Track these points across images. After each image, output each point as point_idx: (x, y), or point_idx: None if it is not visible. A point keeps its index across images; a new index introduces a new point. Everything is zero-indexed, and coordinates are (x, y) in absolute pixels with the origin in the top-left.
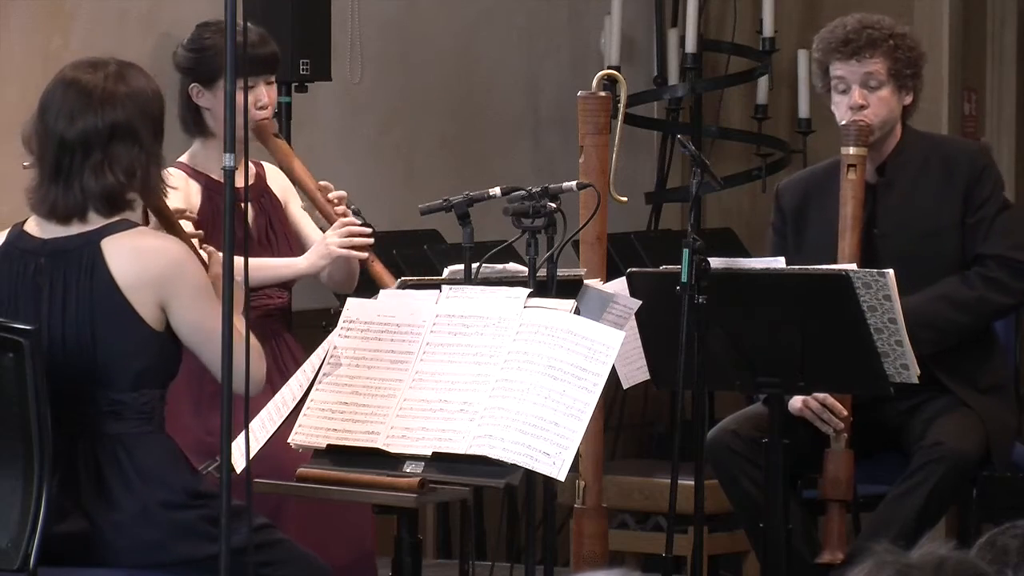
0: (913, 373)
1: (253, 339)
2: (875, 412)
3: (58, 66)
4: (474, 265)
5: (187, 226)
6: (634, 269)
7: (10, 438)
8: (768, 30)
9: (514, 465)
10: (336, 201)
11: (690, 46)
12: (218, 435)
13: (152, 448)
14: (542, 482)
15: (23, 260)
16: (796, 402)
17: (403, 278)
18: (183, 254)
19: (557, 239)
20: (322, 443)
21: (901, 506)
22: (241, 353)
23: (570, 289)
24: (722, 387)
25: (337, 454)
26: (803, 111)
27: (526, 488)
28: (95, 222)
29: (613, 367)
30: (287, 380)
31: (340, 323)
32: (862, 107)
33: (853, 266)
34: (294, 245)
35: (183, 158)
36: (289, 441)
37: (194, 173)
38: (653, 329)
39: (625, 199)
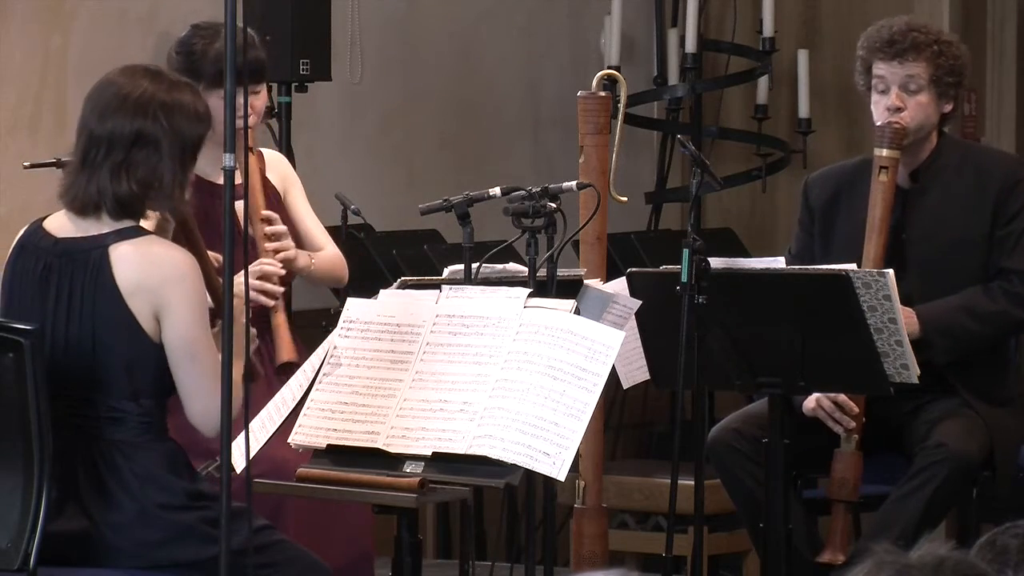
0: (913, 373)
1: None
2: (878, 413)
3: (58, 66)
4: (474, 265)
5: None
6: (634, 269)
7: (10, 438)
8: (768, 30)
9: (514, 465)
10: (273, 236)
11: (690, 46)
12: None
13: (151, 455)
14: (542, 482)
15: (35, 256)
16: (810, 402)
17: (403, 278)
18: (188, 266)
19: (557, 239)
20: (322, 443)
21: (903, 507)
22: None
23: (570, 289)
24: (722, 387)
25: (337, 454)
26: (803, 111)
27: (526, 488)
28: (107, 224)
29: (613, 367)
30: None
31: (340, 323)
32: (899, 109)
33: (853, 266)
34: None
35: None
36: (289, 441)
37: None
38: (653, 329)
39: (625, 199)
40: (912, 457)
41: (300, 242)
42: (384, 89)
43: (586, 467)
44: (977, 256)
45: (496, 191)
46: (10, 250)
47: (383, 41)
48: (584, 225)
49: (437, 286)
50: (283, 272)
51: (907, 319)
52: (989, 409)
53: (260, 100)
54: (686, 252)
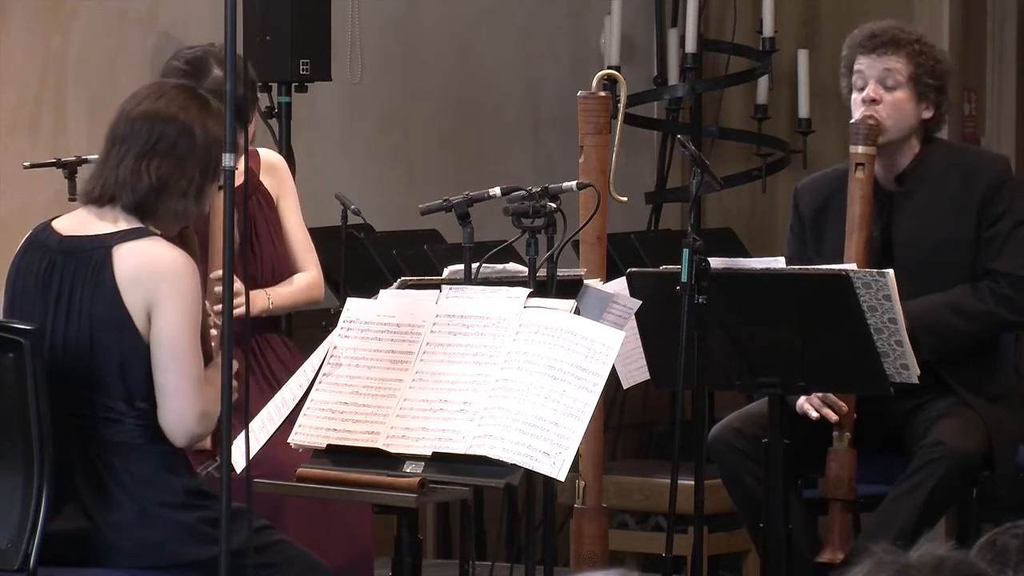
0: (913, 373)
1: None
2: (877, 412)
3: (58, 66)
4: (474, 265)
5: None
6: (634, 269)
7: (10, 438)
8: (768, 30)
9: (514, 465)
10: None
11: (690, 46)
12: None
13: (148, 456)
14: (542, 482)
15: (40, 253)
16: (800, 400)
17: (403, 278)
18: (186, 268)
19: (557, 239)
20: (322, 443)
21: (901, 506)
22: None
23: (570, 289)
24: (722, 387)
25: (337, 454)
26: (803, 111)
27: (526, 488)
28: (116, 222)
29: (613, 367)
30: (270, 379)
31: (340, 323)
32: (874, 101)
33: (853, 266)
34: (279, 248)
35: None
36: (289, 441)
37: None
38: (653, 329)
39: (625, 199)
40: (910, 456)
41: (284, 255)
42: (384, 89)
43: (586, 467)
44: (964, 257)
45: (496, 191)
46: (18, 248)
47: (383, 41)
48: (584, 225)
49: (437, 286)
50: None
51: None
52: (985, 405)
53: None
54: (686, 252)
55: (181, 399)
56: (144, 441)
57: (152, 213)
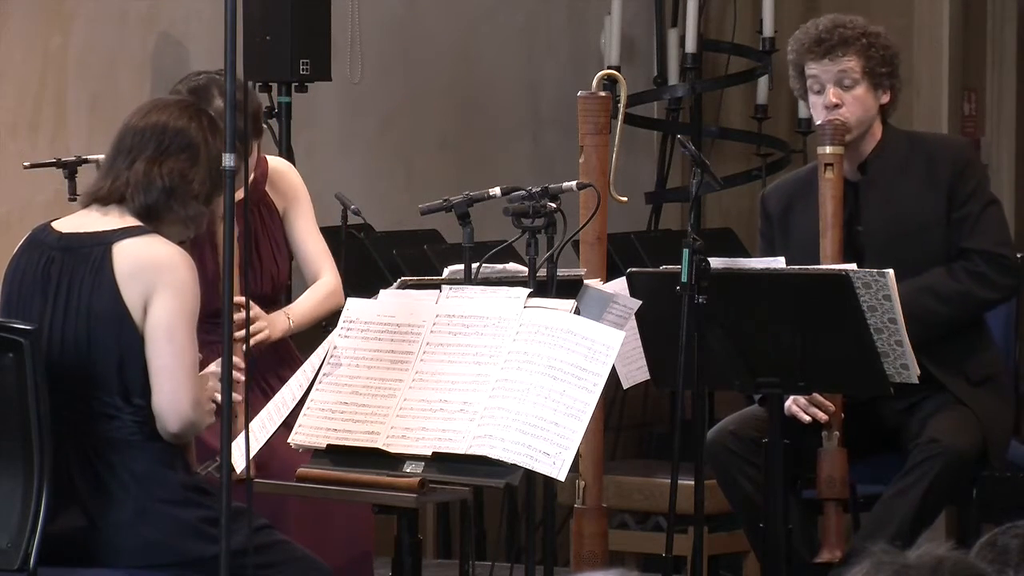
0: (913, 373)
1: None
2: (872, 412)
3: (58, 66)
4: (474, 265)
5: None
6: (634, 269)
7: (10, 438)
8: (768, 30)
9: (514, 465)
10: (241, 325)
11: (690, 46)
12: None
13: (145, 453)
14: (542, 482)
15: (39, 251)
16: (788, 403)
17: (403, 278)
18: (185, 263)
19: (557, 239)
20: (322, 443)
21: (898, 504)
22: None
23: (570, 289)
24: (722, 387)
25: (337, 454)
26: (803, 111)
27: (526, 488)
28: (118, 220)
29: (613, 367)
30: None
31: (340, 323)
32: (837, 106)
33: (853, 266)
34: (280, 262)
35: None
36: (289, 441)
37: None
38: (653, 329)
39: (625, 199)
40: (906, 455)
41: (298, 261)
42: (384, 89)
43: (586, 467)
44: (935, 240)
45: (496, 191)
46: (16, 248)
47: (383, 41)
48: (584, 225)
49: (437, 286)
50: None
51: None
52: (973, 392)
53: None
54: (686, 252)
55: (175, 381)
56: (141, 438)
57: (161, 217)
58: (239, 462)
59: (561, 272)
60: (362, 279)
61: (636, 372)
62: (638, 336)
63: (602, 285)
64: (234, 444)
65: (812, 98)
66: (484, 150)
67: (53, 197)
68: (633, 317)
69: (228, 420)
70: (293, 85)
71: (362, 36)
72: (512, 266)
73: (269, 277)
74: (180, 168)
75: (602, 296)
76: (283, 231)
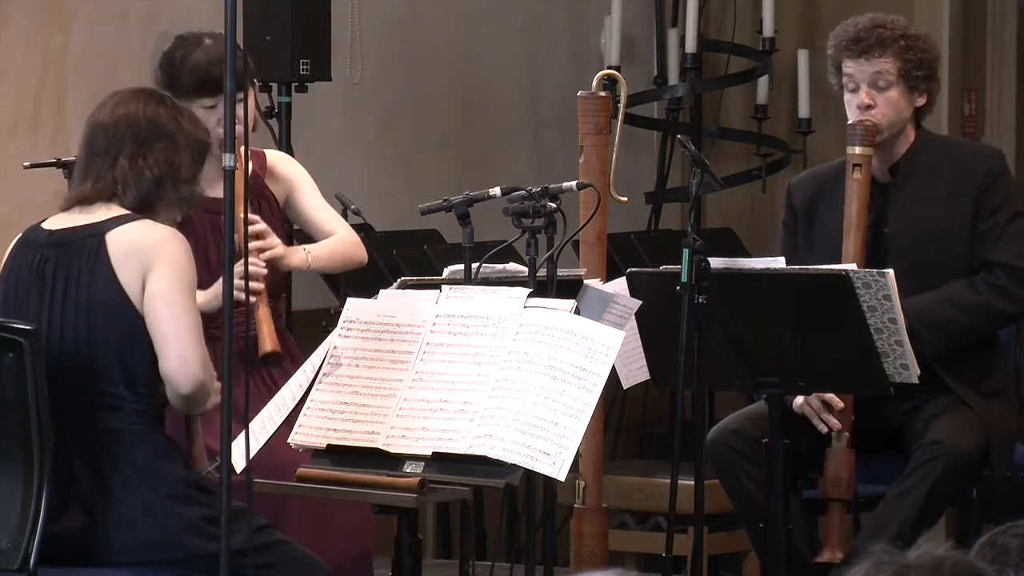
0: (913, 373)
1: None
2: (876, 413)
3: (58, 66)
4: (474, 265)
5: None
6: (634, 269)
7: (10, 438)
8: (768, 30)
9: (514, 465)
10: (257, 235)
11: (690, 46)
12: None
13: (147, 445)
14: (542, 482)
15: (32, 251)
16: (798, 399)
17: (403, 278)
18: (178, 239)
19: (557, 239)
20: (322, 443)
21: (900, 505)
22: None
23: (570, 289)
24: (722, 387)
25: (337, 454)
26: (803, 111)
27: (526, 488)
28: (108, 212)
29: (613, 367)
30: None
31: (340, 323)
32: (869, 107)
33: (853, 266)
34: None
35: None
36: (289, 441)
37: None
38: (653, 329)
39: (625, 199)
40: (909, 456)
41: (314, 236)
42: (384, 89)
43: (586, 467)
44: (959, 248)
45: (496, 191)
46: (8, 250)
47: (383, 41)
48: (584, 225)
49: (437, 286)
50: (265, 271)
51: None
52: (981, 401)
53: (246, 106)
54: (686, 252)
55: (180, 344)
56: (143, 428)
57: (155, 205)
58: (239, 462)
59: (561, 272)
60: (362, 279)
61: (636, 372)
62: (638, 336)
63: (602, 285)
64: (234, 444)
65: (847, 96)
66: (484, 150)
67: (53, 197)
68: (633, 317)
69: (228, 420)
70: (293, 85)
71: (362, 36)
72: (512, 266)
73: (270, 265)
74: (165, 156)
75: (602, 296)
76: (283, 224)
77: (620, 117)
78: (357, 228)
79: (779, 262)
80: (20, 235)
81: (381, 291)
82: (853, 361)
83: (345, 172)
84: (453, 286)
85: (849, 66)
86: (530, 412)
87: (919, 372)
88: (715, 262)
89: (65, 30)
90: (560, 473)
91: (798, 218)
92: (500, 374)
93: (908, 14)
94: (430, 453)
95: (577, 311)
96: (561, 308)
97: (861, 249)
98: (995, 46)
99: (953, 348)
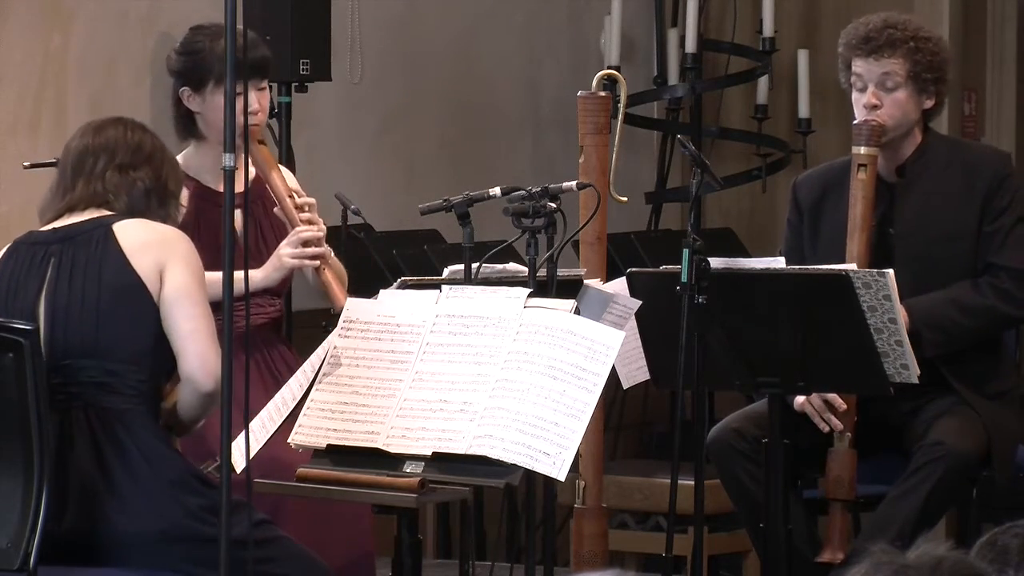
0: (913, 373)
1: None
2: (878, 412)
3: (58, 66)
4: (474, 265)
5: None
6: (634, 269)
7: (10, 438)
8: (768, 30)
9: (514, 465)
10: (303, 208)
11: (690, 46)
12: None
13: (149, 427)
14: (542, 482)
15: (31, 251)
16: (800, 398)
17: (403, 278)
18: (187, 240)
19: (557, 239)
20: (322, 443)
21: (901, 506)
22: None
23: (570, 289)
24: (722, 387)
25: (337, 454)
26: (803, 111)
27: (526, 488)
28: (105, 212)
29: (613, 367)
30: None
31: (340, 323)
32: (875, 107)
33: (853, 266)
34: None
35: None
36: (289, 441)
37: (185, 178)
38: (653, 329)
39: (625, 199)
40: (910, 456)
41: None
42: (384, 89)
43: (586, 467)
44: (964, 250)
45: (496, 191)
46: None
47: (383, 41)
48: (584, 225)
49: (437, 286)
50: (322, 234)
51: None
52: (984, 403)
53: (266, 98)
54: (686, 252)
55: (204, 342)
56: (145, 410)
57: (145, 216)
58: (239, 462)
59: (561, 272)
60: (362, 279)
61: (636, 372)
62: (638, 336)
63: (602, 285)
64: (234, 444)
65: (854, 95)
66: (484, 150)
67: None
68: (633, 317)
69: (228, 420)
70: (293, 85)
71: (362, 36)
72: (512, 266)
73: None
74: (153, 171)
75: (602, 296)
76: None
77: (620, 117)
78: (357, 228)
79: (779, 262)
80: (9, 245)
81: (381, 291)
82: (853, 361)
83: (345, 172)
84: (453, 286)
85: (858, 65)
86: (530, 412)
87: (919, 372)
88: (715, 262)
89: (65, 30)
90: (560, 473)
91: (803, 216)
92: (500, 374)
93: (908, 14)
94: (430, 453)
95: (577, 311)
96: (561, 308)
97: (866, 250)
98: (995, 46)
99: (954, 349)
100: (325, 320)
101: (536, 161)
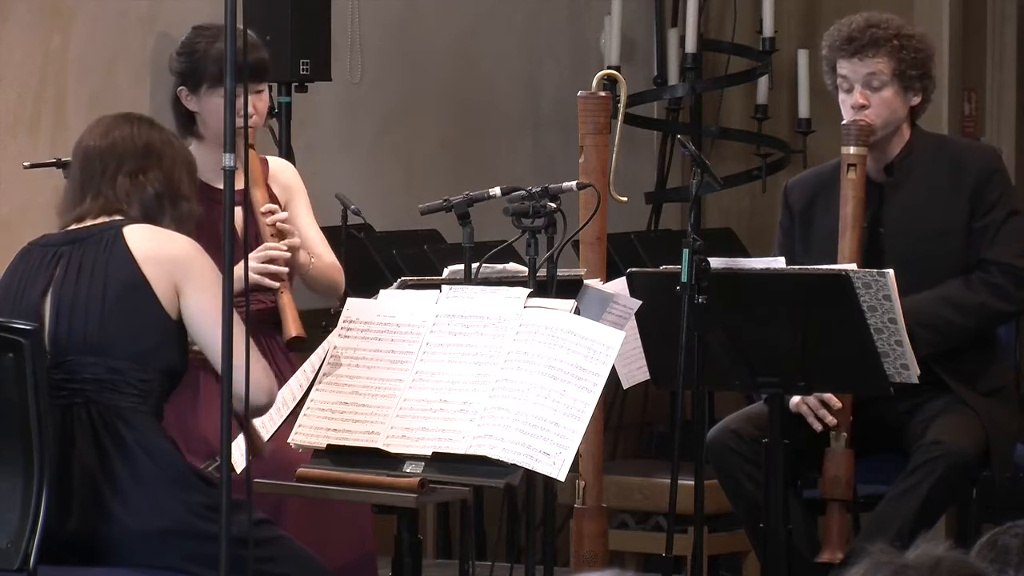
0: (913, 373)
1: (257, 354)
2: (876, 412)
3: (58, 66)
4: (474, 265)
5: None
6: (634, 269)
7: (10, 438)
8: (768, 30)
9: (514, 465)
10: (274, 225)
11: (690, 46)
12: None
13: (151, 426)
14: (542, 482)
15: (42, 253)
16: (795, 397)
17: (403, 278)
18: (197, 248)
19: (557, 239)
20: (322, 443)
21: (900, 505)
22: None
23: (570, 289)
24: (722, 387)
25: (337, 454)
26: (803, 111)
27: (526, 488)
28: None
29: (613, 367)
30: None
31: (340, 323)
32: (863, 107)
33: (853, 266)
34: None
35: None
36: (289, 441)
37: None
38: (653, 329)
39: (625, 199)
40: (909, 456)
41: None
42: (384, 89)
43: (586, 467)
44: (955, 247)
45: (496, 191)
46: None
47: (383, 41)
48: (584, 225)
49: (437, 286)
50: (288, 255)
51: None
52: (980, 400)
53: (262, 101)
54: (686, 252)
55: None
56: (147, 409)
57: (158, 220)
58: (239, 461)
59: (561, 272)
60: (362, 279)
61: (636, 372)
62: (638, 336)
63: (602, 285)
64: (234, 444)
65: (841, 96)
66: (484, 150)
67: (53, 197)
68: (633, 317)
69: (228, 420)
70: (293, 85)
71: (362, 36)
72: (512, 266)
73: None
74: (164, 173)
75: (602, 296)
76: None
77: (620, 117)
78: (357, 228)
79: (779, 262)
80: (23, 248)
81: (381, 291)
82: (853, 361)
83: (345, 172)
84: (453, 286)
85: (843, 66)
86: (530, 412)
87: (919, 372)
88: (715, 262)
89: (65, 30)
90: (560, 473)
91: (794, 219)
92: (500, 374)
93: (908, 14)
94: (430, 453)
95: (577, 311)
96: (561, 308)
97: (857, 248)
98: (995, 46)
99: (948, 347)
100: (325, 320)
101: (536, 161)
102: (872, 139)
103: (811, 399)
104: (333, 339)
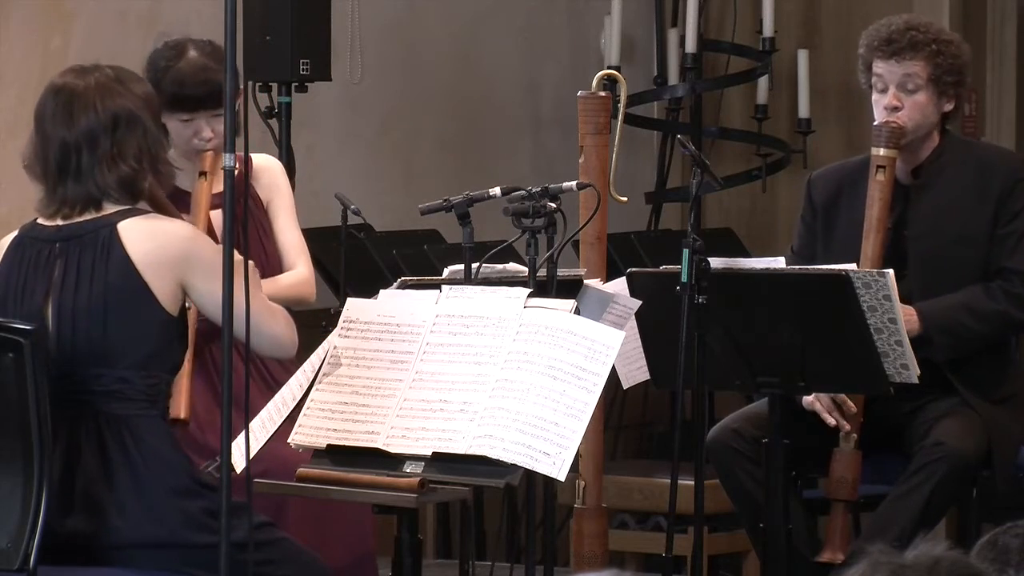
0: (913, 373)
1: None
2: (878, 413)
3: (58, 66)
4: (474, 265)
5: None
6: (634, 269)
7: (10, 438)
8: (768, 30)
9: (514, 465)
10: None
11: (690, 46)
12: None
13: (155, 432)
14: (542, 482)
15: (36, 248)
16: (808, 396)
17: (403, 278)
18: (195, 233)
19: (557, 239)
20: (322, 443)
21: (902, 506)
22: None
23: (570, 289)
24: (722, 387)
25: (337, 454)
26: (803, 111)
27: (526, 488)
28: (110, 210)
29: (613, 367)
30: (270, 381)
31: (340, 323)
32: (896, 108)
33: (853, 266)
34: (269, 250)
35: None
36: (289, 441)
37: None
38: (653, 329)
39: (625, 199)
40: (911, 457)
41: (274, 256)
42: (384, 89)
43: (586, 467)
44: (978, 253)
45: (496, 191)
46: (3, 251)
47: (383, 41)
48: (584, 225)
49: (437, 286)
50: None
51: (908, 316)
52: (987, 407)
53: (220, 124)
54: (686, 252)
55: (266, 325)
56: (152, 415)
57: (143, 189)
58: (239, 462)
59: (561, 272)
60: (362, 279)
61: (636, 372)
62: (638, 336)
63: (602, 285)
64: (234, 444)
65: (875, 96)
66: (484, 150)
67: None
68: (633, 317)
69: (228, 420)
70: (293, 85)
71: (362, 36)
72: (512, 266)
73: (259, 263)
74: (136, 143)
75: (602, 296)
76: (270, 220)
77: (620, 117)
78: (357, 228)
79: (779, 262)
80: (16, 234)
81: (381, 291)
82: (853, 361)
83: (345, 172)
84: (453, 286)
85: (879, 67)
86: (530, 412)
87: (919, 372)
88: (715, 262)
89: (65, 30)
90: (560, 473)
91: (817, 214)
92: (500, 374)
93: (907, 14)
94: (430, 453)
95: (577, 311)
96: (561, 308)
97: (880, 251)
98: (995, 46)
99: (965, 353)
100: (325, 320)
101: (536, 161)
102: (903, 142)
103: (824, 399)
104: (333, 339)
